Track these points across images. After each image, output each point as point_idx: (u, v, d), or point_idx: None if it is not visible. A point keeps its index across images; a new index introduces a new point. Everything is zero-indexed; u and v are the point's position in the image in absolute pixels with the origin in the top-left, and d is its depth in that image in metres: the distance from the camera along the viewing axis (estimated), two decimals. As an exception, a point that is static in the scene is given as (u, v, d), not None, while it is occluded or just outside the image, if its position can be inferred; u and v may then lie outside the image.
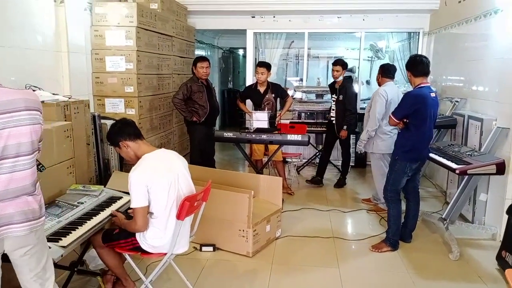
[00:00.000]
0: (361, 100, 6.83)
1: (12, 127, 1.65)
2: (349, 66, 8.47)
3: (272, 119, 4.70)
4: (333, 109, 5.24)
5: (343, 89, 5.06)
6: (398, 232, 3.58)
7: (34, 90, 3.20)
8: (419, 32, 6.36)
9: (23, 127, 1.69)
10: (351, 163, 6.38)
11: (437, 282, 3.09)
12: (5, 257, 1.83)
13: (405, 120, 3.39)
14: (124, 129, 2.49)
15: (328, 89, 5.69)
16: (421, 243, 3.71)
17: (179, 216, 2.32)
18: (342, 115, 5.06)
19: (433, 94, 3.36)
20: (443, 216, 3.75)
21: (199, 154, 4.83)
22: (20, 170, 1.70)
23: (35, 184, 1.81)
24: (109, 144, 2.66)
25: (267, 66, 4.93)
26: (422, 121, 3.31)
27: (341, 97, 5.06)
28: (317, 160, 6.36)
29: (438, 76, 5.76)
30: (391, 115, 3.46)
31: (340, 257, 3.44)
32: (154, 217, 2.39)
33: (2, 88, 1.68)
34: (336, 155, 6.08)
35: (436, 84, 5.78)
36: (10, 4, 3.22)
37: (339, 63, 5.05)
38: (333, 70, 5.12)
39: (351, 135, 5.49)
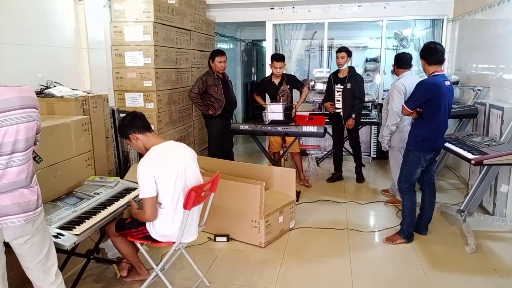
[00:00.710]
0: (384, 91, 6.71)
1: (8, 126, 1.72)
2: (373, 56, 8.44)
3: (288, 110, 4.71)
4: (338, 100, 5.07)
5: (352, 77, 4.94)
6: (413, 224, 3.53)
7: (54, 86, 3.38)
8: (443, 19, 6.16)
9: (19, 125, 1.76)
10: (373, 155, 6.34)
11: (451, 275, 3.05)
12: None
13: (418, 110, 3.32)
14: (134, 122, 2.58)
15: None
16: (438, 236, 3.65)
17: (186, 205, 2.39)
18: (350, 104, 4.95)
19: (447, 83, 3.27)
20: (461, 208, 3.67)
21: (216, 147, 4.90)
22: (15, 166, 1.78)
23: (32, 177, 1.89)
24: (120, 136, 2.76)
25: (283, 59, 4.91)
26: (436, 110, 3.24)
27: (349, 86, 4.92)
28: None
29: (462, 64, 5.59)
30: (404, 105, 3.40)
31: (352, 249, 3.44)
32: (162, 207, 2.47)
33: None
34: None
35: (460, 73, 5.62)
36: (32, 4, 3.37)
37: (344, 49, 4.92)
38: (337, 57, 4.95)
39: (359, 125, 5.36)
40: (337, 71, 5.10)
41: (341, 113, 5.05)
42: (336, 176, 5.35)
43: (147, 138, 2.57)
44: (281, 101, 4.83)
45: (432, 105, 3.23)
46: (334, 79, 5.13)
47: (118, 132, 2.74)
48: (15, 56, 3.20)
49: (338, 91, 5.06)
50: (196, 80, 4.81)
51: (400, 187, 3.57)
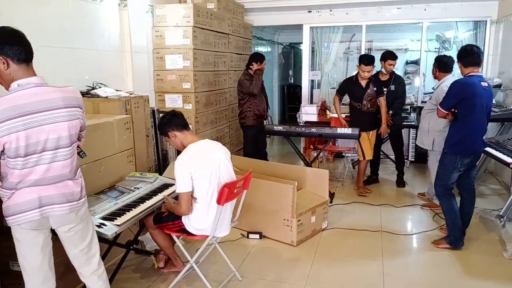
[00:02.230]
0: (424, 94, 6.59)
1: (52, 123, 1.87)
2: (413, 58, 8.27)
3: (374, 115, 4.74)
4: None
5: (396, 80, 4.95)
6: (457, 229, 3.39)
7: (99, 87, 3.60)
8: (486, 21, 5.97)
9: (62, 123, 1.90)
10: (411, 158, 6.22)
11: (483, 282, 2.97)
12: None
13: (453, 111, 3.26)
14: (173, 120, 2.72)
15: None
16: (475, 242, 3.56)
17: (219, 201, 2.50)
18: (390, 105, 4.93)
19: (485, 84, 3.19)
20: (501, 213, 3.56)
21: (252, 147, 5.00)
22: (59, 160, 1.93)
23: (76, 170, 2.05)
24: (159, 133, 2.91)
25: (373, 61, 4.64)
26: (470, 110, 3.16)
27: (393, 87, 4.92)
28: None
29: (506, 67, 5.39)
30: (438, 107, 3.35)
31: (385, 251, 3.43)
32: (197, 202, 2.59)
33: (46, 87, 1.89)
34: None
35: (504, 76, 5.42)
36: (79, 11, 3.62)
37: (395, 57, 4.90)
38: (390, 64, 4.87)
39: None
40: (378, 73, 5.06)
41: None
42: (372, 179, 5.31)
43: (185, 136, 2.70)
44: (368, 106, 4.65)
45: (467, 105, 3.16)
46: (376, 81, 4.97)
47: (158, 129, 2.89)
48: (66, 59, 3.44)
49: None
50: (243, 83, 4.82)
51: (436, 191, 3.51)
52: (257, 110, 4.84)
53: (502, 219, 3.51)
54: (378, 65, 4.95)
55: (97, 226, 2.34)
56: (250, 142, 5.03)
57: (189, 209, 2.58)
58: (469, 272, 3.09)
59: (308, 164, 4.72)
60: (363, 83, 4.64)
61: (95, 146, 2.90)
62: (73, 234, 2.06)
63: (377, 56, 5.07)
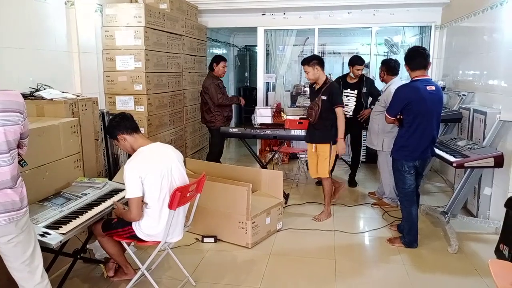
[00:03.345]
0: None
1: None
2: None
3: (314, 126, 4.08)
4: (347, 105, 5.07)
5: (367, 81, 5.09)
6: (412, 233, 3.48)
7: (44, 89, 3.42)
8: (431, 26, 6.28)
9: None
10: (362, 159, 6.40)
11: (432, 275, 3.11)
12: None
13: (399, 117, 3.32)
14: (122, 123, 2.63)
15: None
16: (422, 238, 3.69)
17: (171, 205, 2.45)
18: (367, 106, 5.09)
19: (432, 87, 3.21)
20: (445, 210, 3.74)
21: (220, 149, 5.13)
22: None
23: (16, 179, 1.93)
24: (108, 136, 2.81)
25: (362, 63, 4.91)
26: (415, 116, 3.18)
27: (365, 89, 5.04)
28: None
29: (450, 70, 5.69)
30: (386, 113, 3.41)
31: (338, 250, 3.50)
32: (148, 207, 2.53)
33: None
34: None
35: (447, 79, 5.72)
36: (24, 8, 3.43)
37: (363, 63, 5.06)
38: (358, 69, 4.95)
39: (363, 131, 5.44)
40: (346, 76, 5.15)
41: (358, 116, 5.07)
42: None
43: (135, 139, 2.63)
44: (308, 114, 4.09)
45: (411, 110, 3.18)
46: (343, 83, 5.05)
47: (106, 132, 2.79)
48: (7, 59, 3.25)
49: (347, 96, 5.08)
50: (211, 92, 4.95)
51: (398, 196, 3.63)
52: (226, 113, 5.07)
53: (446, 215, 3.69)
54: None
55: (40, 235, 2.22)
56: (217, 144, 5.15)
57: (139, 215, 2.50)
58: (418, 266, 3.22)
59: (264, 166, 4.74)
60: (316, 87, 4.08)
61: (39, 150, 2.76)
62: (13, 246, 1.94)
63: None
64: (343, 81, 5.12)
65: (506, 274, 1.90)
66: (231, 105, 5.18)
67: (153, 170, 2.48)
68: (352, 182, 5.35)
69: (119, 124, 2.64)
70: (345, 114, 4.86)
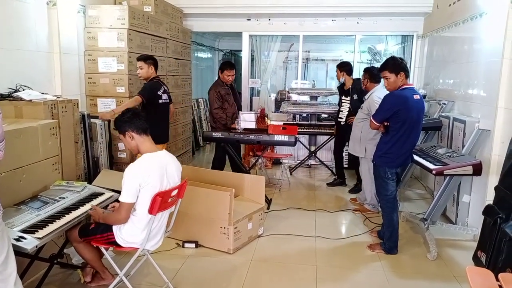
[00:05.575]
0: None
1: None
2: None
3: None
4: (341, 111, 5.32)
5: (356, 88, 5.14)
6: (393, 239, 3.51)
7: (23, 90, 3.35)
8: (413, 35, 6.40)
9: None
10: (344, 165, 6.46)
11: (412, 281, 3.14)
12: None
13: (385, 124, 3.36)
14: (134, 120, 2.56)
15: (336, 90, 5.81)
16: (402, 244, 3.74)
17: (151, 210, 2.41)
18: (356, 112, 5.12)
19: (417, 97, 3.29)
20: (424, 217, 3.79)
21: (224, 153, 5.07)
22: None
23: None
24: (115, 128, 2.70)
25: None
26: (401, 124, 3.24)
27: (355, 96, 5.11)
28: (310, 161, 6.44)
29: (431, 79, 5.79)
30: (371, 119, 3.44)
31: (319, 255, 3.50)
32: (136, 214, 2.48)
33: None
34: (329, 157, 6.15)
35: (428, 87, 5.82)
36: (4, 8, 3.36)
37: (345, 67, 5.26)
38: (341, 75, 5.24)
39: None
40: (343, 84, 5.31)
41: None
42: (338, 182, 5.59)
43: (143, 140, 2.57)
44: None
45: (399, 118, 3.24)
46: (340, 91, 5.45)
47: (115, 125, 2.67)
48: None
49: (343, 102, 5.30)
50: (209, 96, 4.98)
51: (380, 203, 3.65)
52: (229, 117, 5.04)
53: (426, 222, 3.73)
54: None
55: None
56: (218, 151, 5.13)
57: (127, 219, 2.46)
58: (397, 272, 3.24)
59: (247, 171, 4.72)
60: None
61: (17, 153, 2.69)
62: None
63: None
64: (339, 89, 5.47)
65: (483, 280, 1.92)
66: (235, 106, 5.14)
67: (154, 183, 2.43)
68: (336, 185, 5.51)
69: (131, 121, 2.56)
70: (339, 121, 5.28)
